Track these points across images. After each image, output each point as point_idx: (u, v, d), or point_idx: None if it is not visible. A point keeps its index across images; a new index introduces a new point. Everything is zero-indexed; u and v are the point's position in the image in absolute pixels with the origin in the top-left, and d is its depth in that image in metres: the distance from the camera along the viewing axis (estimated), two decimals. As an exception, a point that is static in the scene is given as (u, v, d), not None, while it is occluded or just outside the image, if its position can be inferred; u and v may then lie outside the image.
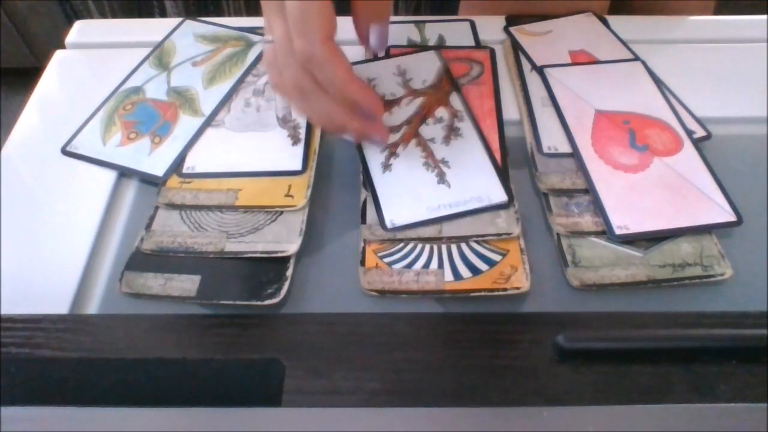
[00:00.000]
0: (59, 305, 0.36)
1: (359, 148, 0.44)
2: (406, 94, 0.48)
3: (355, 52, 0.54)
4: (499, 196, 0.40)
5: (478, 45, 0.54)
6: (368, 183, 0.42)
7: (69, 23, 0.61)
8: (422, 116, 0.46)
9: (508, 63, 0.53)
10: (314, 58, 0.35)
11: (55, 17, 1.42)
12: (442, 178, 0.41)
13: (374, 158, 0.44)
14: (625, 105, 0.47)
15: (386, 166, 0.43)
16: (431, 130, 0.45)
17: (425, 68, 0.50)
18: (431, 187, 0.41)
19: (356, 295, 0.37)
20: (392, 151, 0.44)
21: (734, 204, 0.40)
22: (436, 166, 0.42)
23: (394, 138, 0.45)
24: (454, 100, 0.47)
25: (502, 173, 0.41)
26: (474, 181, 0.41)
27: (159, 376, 0.32)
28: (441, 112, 0.46)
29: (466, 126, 0.45)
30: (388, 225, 0.39)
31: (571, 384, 0.31)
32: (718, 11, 0.64)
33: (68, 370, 0.32)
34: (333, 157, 0.46)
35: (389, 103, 0.47)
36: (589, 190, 0.41)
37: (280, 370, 0.31)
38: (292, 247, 0.38)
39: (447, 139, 0.44)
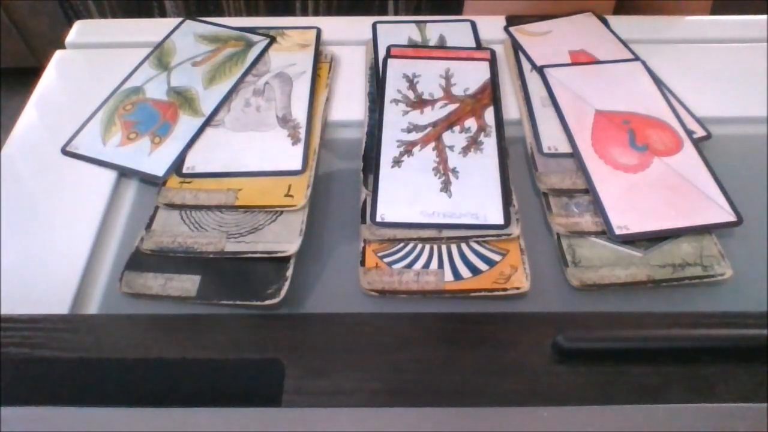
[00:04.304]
0: (59, 305, 0.36)
1: (378, 134, 0.44)
2: (443, 97, 0.48)
3: (357, 52, 0.54)
4: (497, 217, 0.40)
5: (479, 45, 0.54)
6: (374, 173, 0.42)
7: (69, 23, 0.61)
8: (450, 122, 0.46)
9: (508, 63, 0.53)
10: None
11: (55, 17, 1.42)
12: (445, 187, 0.41)
13: (388, 151, 0.44)
14: (625, 105, 0.47)
15: (397, 162, 0.43)
16: (454, 137, 0.45)
17: (472, 77, 0.50)
18: (432, 193, 0.41)
19: (356, 295, 0.37)
20: (408, 149, 0.44)
21: (734, 204, 0.40)
22: (445, 173, 0.42)
23: (414, 137, 0.45)
24: (488, 114, 0.47)
25: (507, 196, 0.41)
26: (476, 198, 0.41)
27: (159, 376, 0.32)
28: (470, 122, 0.46)
29: (489, 142, 0.44)
30: (378, 218, 0.39)
31: (571, 384, 0.31)
32: (717, 11, 0.64)
33: (68, 370, 0.32)
34: (333, 157, 0.46)
35: (424, 102, 0.47)
36: (589, 190, 0.41)
37: (280, 370, 0.31)
38: (292, 247, 0.38)
39: (466, 150, 0.44)
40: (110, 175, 0.43)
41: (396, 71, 0.50)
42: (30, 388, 0.31)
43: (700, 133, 0.46)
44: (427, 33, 0.55)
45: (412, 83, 0.49)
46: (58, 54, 0.54)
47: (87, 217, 0.41)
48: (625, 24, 0.56)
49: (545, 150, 0.44)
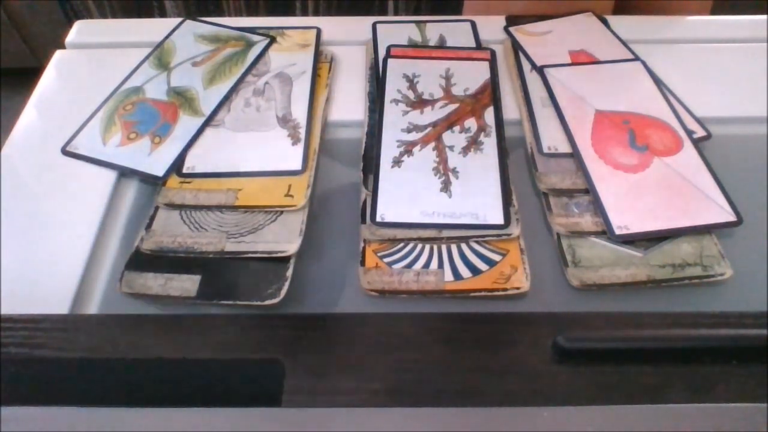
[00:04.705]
0: (59, 305, 0.36)
1: (378, 134, 0.44)
2: (444, 97, 0.48)
3: (357, 52, 0.54)
4: (497, 218, 0.40)
5: (479, 45, 0.54)
6: (374, 173, 0.42)
7: (69, 23, 0.62)
8: (450, 122, 0.46)
9: (508, 63, 0.53)
10: None
11: (55, 17, 1.42)
12: (446, 187, 0.41)
13: (388, 151, 0.44)
14: (625, 105, 0.47)
15: (397, 162, 0.43)
16: (454, 137, 0.45)
17: (472, 77, 0.50)
18: (432, 193, 0.41)
19: (356, 295, 0.37)
20: (408, 149, 0.44)
21: (734, 204, 0.40)
22: (445, 173, 0.42)
23: (414, 137, 0.45)
24: (488, 114, 0.47)
25: (507, 196, 0.41)
26: (476, 198, 0.41)
27: (159, 376, 0.32)
28: (470, 122, 0.46)
29: (489, 142, 0.44)
30: (378, 218, 0.39)
31: (571, 384, 0.31)
32: (717, 11, 0.64)
33: (68, 370, 0.32)
34: (333, 157, 0.46)
35: (424, 102, 0.47)
36: (589, 190, 0.41)
37: (280, 370, 0.31)
38: (292, 247, 0.38)
39: (466, 150, 0.44)
40: (110, 175, 0.43)
41: (396, 71, 0.50)
42: (30, 388, 0.31)
43: (700, 133, 0.46)
44: (427, 33, 0.55)
45: (412, 83, 0.49)
46: (58, 54, 0.54)
47: (87, 217, 0.41)
48: (625, 24, 0.56)
49: (545, 150, 0.44)
